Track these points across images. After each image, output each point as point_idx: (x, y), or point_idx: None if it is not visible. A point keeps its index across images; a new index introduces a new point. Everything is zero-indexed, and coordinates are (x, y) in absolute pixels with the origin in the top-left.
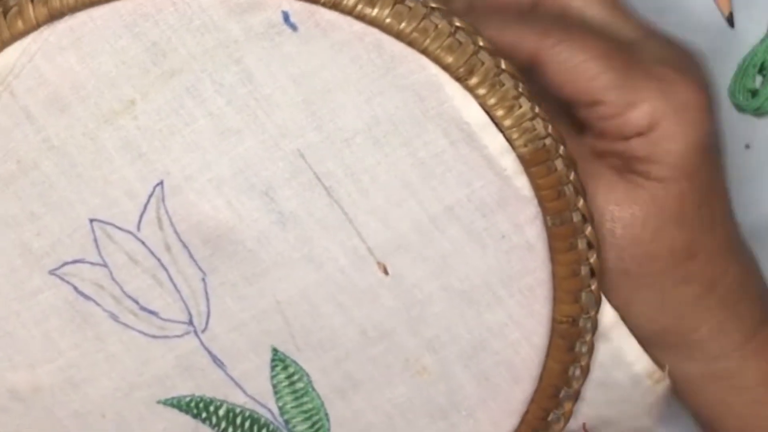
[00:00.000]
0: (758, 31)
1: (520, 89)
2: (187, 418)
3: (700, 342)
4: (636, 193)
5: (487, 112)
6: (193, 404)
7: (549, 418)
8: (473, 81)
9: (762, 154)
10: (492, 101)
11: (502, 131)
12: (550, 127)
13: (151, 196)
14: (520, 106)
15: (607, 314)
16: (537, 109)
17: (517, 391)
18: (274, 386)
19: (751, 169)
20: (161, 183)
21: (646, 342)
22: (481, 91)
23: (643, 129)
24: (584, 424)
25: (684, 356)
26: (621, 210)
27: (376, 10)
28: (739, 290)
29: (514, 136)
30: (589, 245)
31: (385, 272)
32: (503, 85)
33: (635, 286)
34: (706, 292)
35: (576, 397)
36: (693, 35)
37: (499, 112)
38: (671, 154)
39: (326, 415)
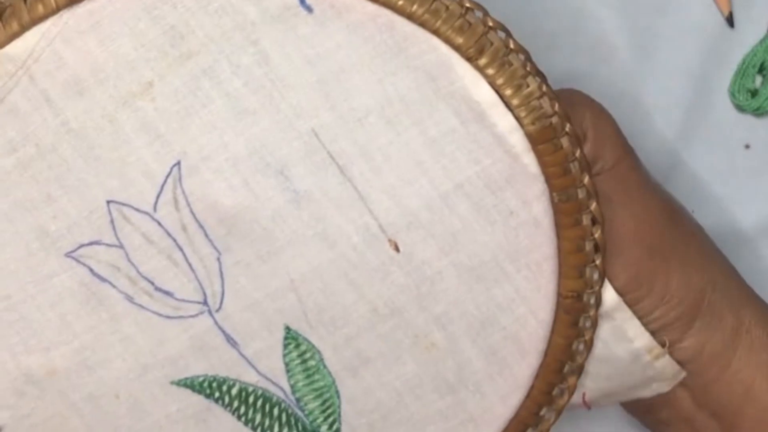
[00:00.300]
0: (758, 31)
1: (528, 69)
2: (199, 398)
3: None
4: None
5: (496, 92)
6: (206, 384)
7: (554, 393)
8: (483, 61)
9: (762, 154)
10: (501, 81)
11: (510, 110)
12: (556, 105)
13: (168, 176)
14: (528, 86)
15: (610, 296)
16: (544, 88)
17: (523, 365)
18: (287, 364)
19: (751, 169)
20: (178, 163)
21: None
22: (491, 71)
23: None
24: (584, 394)
25: None
26: None
27: None
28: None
29: (522, 114)
30: (594, 221)
31: (396, 249)
32: (512, 64)
33: None
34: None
35: (580, 371)
36: (693, 35)
37: (508, 92)
38: (609, 137)
39: (337, 392)
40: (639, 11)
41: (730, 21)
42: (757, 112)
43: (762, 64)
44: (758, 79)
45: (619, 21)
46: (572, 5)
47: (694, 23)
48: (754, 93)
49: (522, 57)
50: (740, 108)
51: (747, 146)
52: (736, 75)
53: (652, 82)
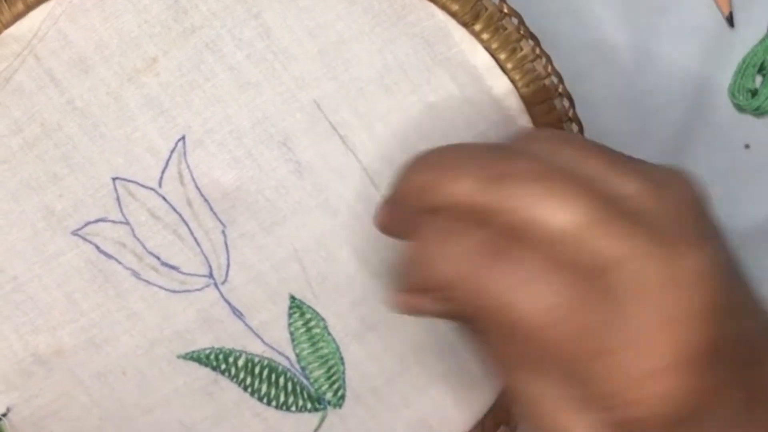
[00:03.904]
0: (758, 31)
1: (522, 32)
2: (206, 371)
3: None
4: None
5: (492, 55)
6: (212, 356)
7: None
8: (478, 26)
9: (762, 154)
10: (495, 45)
11: (505, 73)
12: (549, 67)
13: (173, 151)
14: (522, 49)
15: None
16: (537, 51)
17: None
18: (291, 333)
19: (751, 169)
20: (183, 138)
21: None
22: (486, 36)
23: None
24: None
25: None
26: None
27: None
28: None
29: (517, 77)
30: None
31: None
32: (506, 29)
33: None
34: None
35: None
36: (693, 35)
37: (502, 55)
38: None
39: (341, 359)
40: (639, 11)
41: (730, 21)
42: (757, 112)
43: (762, 64)
44: (758, 79)
45: (619, 21)
46: (572, 5)
47: (694, 23)
48: (754, 93)
49: (515, 20)
50: (740, 108)
51: (747, 146)
52: (736, 75)
53: (652, 82)
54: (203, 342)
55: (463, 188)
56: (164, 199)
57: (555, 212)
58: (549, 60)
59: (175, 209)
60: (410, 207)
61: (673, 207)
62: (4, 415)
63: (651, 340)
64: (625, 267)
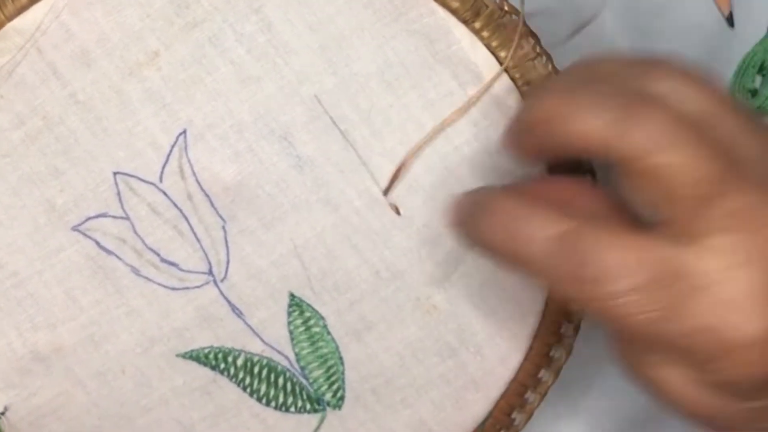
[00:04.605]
0: (758, 31)
1: (522, 31)
2: (205, 371)
3: None
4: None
5: (492, 53)
6: (211, 356)
7: (551, 354)
8: (478, 24)
9: None
10: (495, 43)
11: (506, 71)
12: (550, 65)
13: (173, 146)
14: (522, 47)
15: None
16: (538, 49)
17: (522, 326)
18: (291, 332)
19: None
20: (184, 132)
21: None
22: (486, 33)
23: None
24: None
25: None
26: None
27: None
28: None
29: (517, 75)
30: None
31: (397, 212)
32: (506, 27)
33: None
34: None
35: (577, 331)
36: (693, 35)
37: (502, 53)
38: None
39: (341, 358)
40: (639, 11)
41: (730, 21)
42: (757, 112)
43: (762, 64)
44: (758, 79)
45: (619, 21)
46: (572, 5)
47: (694, 23)
48: (754, 93)
49: (516, 18)
50: None
51: None
52: (736, 75)
53: None
54: (202, 340)
55: (593, 126)
56: (165, 194)
57: (690, 168)
58: (549, 58)
59: (175, 204)
60: (536, 136)
61: None
62: (2, 413)
63: (741, 314)
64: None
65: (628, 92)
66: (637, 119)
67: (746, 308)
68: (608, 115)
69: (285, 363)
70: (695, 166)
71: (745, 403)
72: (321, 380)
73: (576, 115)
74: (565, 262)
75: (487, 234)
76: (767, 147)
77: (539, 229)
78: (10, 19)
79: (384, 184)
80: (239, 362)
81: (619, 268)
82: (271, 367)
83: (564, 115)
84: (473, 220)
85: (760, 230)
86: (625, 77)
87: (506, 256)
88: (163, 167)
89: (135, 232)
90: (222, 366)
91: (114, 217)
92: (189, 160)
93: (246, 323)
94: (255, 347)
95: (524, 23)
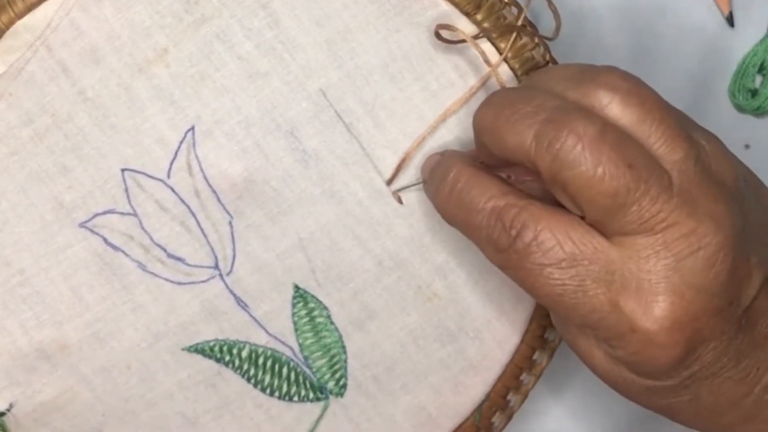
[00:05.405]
0: (758, 31)
1: (521, 22)
2: (210, 363)
3: None
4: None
5: (492, 44)
6: (216, 348)
7: (546, 336)
8: (479, 16)
9: (762, 154)
10: (496, 34)
11: (506, 61)
12: (548, 55)
13: (182, 142)
14: (521, 38)
15: None
16: (536, 39)
17: (519, 309)
18: (295, 323)
19: (751, 169)
20: (192, 129)
21: None
22: (486, 25)
23: None
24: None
25: None
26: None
27: None
28: None
29: (516, 65)
30: None
31: (400, 202)
32: (506, 18)
33: None
34: None
35: None
36: (693, 35)
37: (502, 44)
38: None
39: (343, 347)
40: (639, 11)
41: (730, 21)
42: (757, 112)
43: (762, 64)
44: (758, 79)
45: (619, 21)
46: (572, 5)
47: (694, 23)
48: (754, 93)
49: (515, 11)
50: (740, 108)
51: (747, 146)
52: (736, 75)
53: (652, 82)
54: (207, 334)
55: (519, 140)
56: (172, 190)
57: (602, 181)
58: (547, 48)
59: (182, 200)
60: (483, 144)
61: (706, 180)
62: (8, 410)
63: (645, 301)
64: (652, 236)
65: (559, 106)
66: (557, 135)
67: (650, 297)
68: (531, 131)
69: (289, 353)
70: (609, 179)
71: (646, 381)
72: (324, 369)
73: (504, 129)
74: (503, 232)
75: (441, 197)
76: (690, 153)
77: (487, 200)
78: (20, 16)
79: (387, 175)
80: (244, 354)
81: (548, 241)
82: (276, 358)
83: (497, 128)
84: (432, 181)
85: (667, 231)
86: (564, 89)
87: (456, 220)
88: (171, 163)
89: (142, 228)
90: (227, 358)
91: (121, 213)
92: (197, 157)
93: (251, 315)
94: (259, 339)
95: (524, 15)
